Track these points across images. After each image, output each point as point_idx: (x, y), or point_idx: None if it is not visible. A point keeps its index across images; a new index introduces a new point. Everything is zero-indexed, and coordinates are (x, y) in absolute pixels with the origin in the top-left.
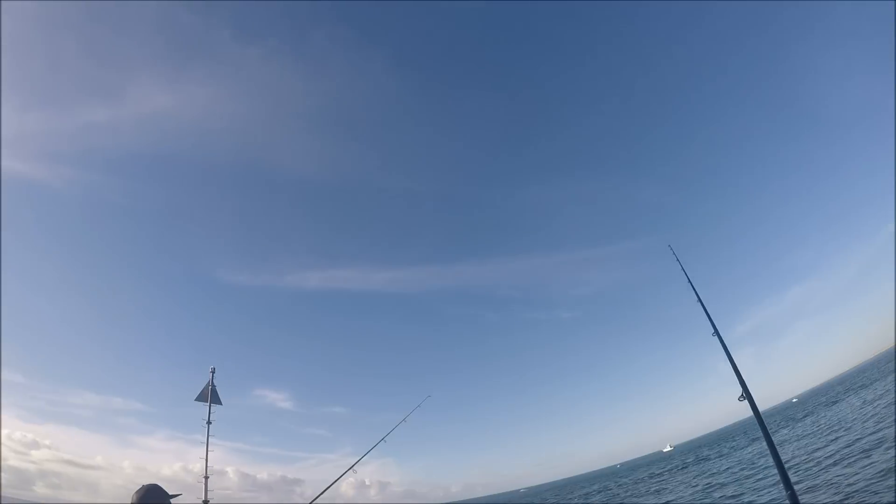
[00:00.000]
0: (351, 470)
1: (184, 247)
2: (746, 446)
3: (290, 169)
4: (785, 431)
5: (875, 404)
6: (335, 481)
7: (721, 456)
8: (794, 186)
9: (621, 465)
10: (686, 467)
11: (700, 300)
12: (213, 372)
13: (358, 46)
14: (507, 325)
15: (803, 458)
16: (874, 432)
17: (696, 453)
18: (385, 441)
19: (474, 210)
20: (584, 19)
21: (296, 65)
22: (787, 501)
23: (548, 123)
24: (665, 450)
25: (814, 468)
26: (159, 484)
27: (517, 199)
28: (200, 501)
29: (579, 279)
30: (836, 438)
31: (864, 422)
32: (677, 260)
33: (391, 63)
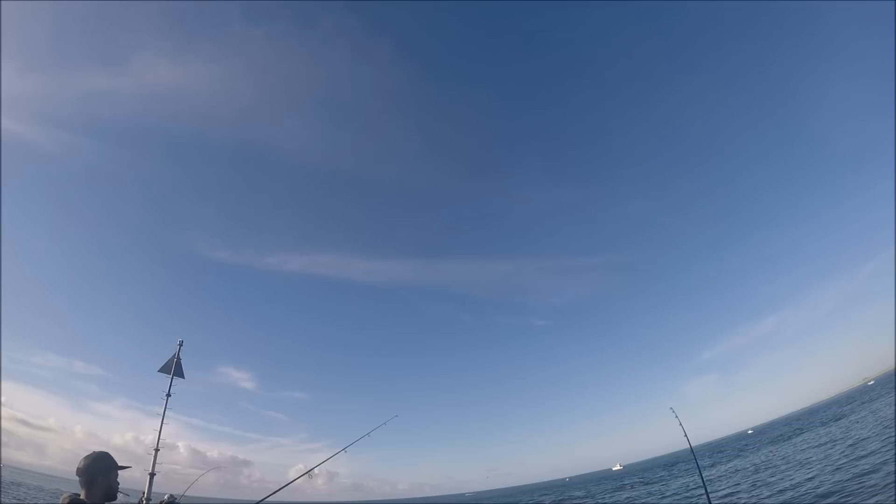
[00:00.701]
0: (307, 475)
1: (169, 218)
2: (684, 476)
3: (284, 152)
4: (736, 462)
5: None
6: (290, 483)
7: (673, 477)
8: (781, 219)
9: (570, 478)
10: (633, 486)
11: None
12: (180, 345)
13: (364, 36)
14: (481, 327)
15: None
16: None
17: (644, 475)
18: (346, 451)
19: (460, 209)
20: (590, 39)
21: (301, 50)
22: None
23: (544, 131)
24: (615, 468)
25: None
26: (110, 454)
27: (505, 202)
28: (147, 473)
29: (556, 287)
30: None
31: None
32: (680, 425)
33: (395, 56)
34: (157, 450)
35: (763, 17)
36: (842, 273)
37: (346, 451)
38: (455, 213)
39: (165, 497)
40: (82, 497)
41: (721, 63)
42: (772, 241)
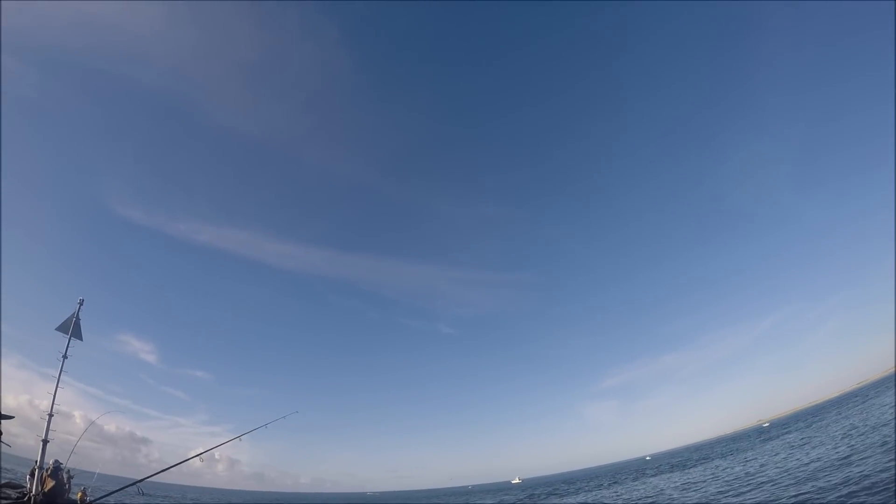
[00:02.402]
0: (199, 457)
1: (82, 160)
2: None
3: (212, 112)
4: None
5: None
6: (184, 461)
7: (579, 491)
8: (688, 264)
9: (472, 486)
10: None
11: None
12: (80, 303)
13: (315, 12)
14: (388, 327)
15: None
16: None
17: (545, 489)
18: (241, 440)
19: (381, 206)
20: (533, 67)
21: (251, 9)
22: None
23: (477, 146)
24: (514, 481)
25: None
26: None
27: (426, 208)
28: (40, 440)
29: (466, 298)
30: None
31: None
32: None
33: (342, 40)
34: (50, 415)
35: (687, 67)
36: (742, 324)
37: (241, 440)
38: (375, 209)
39: (51, 463)
40: None
41: (643, 108)
42: (678, 283)
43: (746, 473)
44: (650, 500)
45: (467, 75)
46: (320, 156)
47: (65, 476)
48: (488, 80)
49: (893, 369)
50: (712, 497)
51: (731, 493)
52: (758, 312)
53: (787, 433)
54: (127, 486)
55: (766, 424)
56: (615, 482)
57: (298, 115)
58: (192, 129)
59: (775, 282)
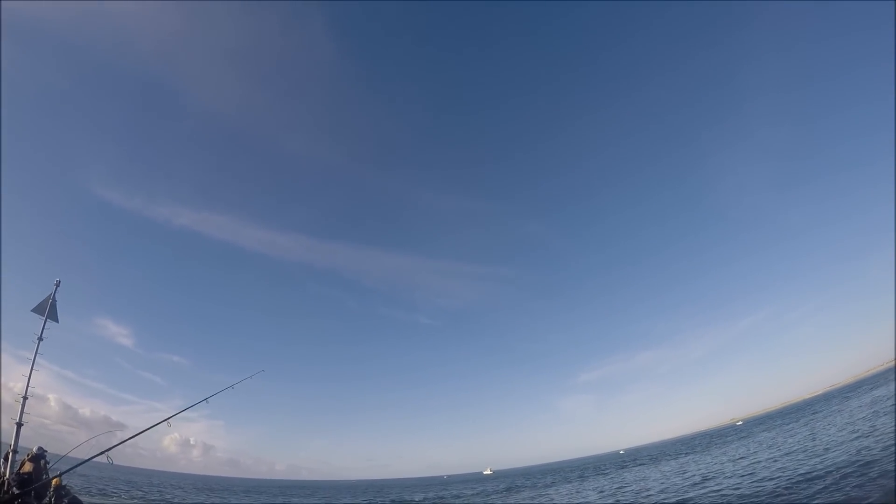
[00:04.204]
0: (165, 423)
1: (63, 144)
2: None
3: (195, 97)
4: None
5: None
6: (144, 430)
7: (553, 485)
8: (666, 260)
9: (448, 476)
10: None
11: None
12: (57, 285)
13: None
14: (366, 317)
15: None
16: None
17: (518, 480)
18: (208, 402)
19: (362, 194)
20: (518, 64)
21: None
22: None
23: (460, 139)
24: (485, 472)
25: None
26: None
27: (407, 198)
28: (14, 423)
29: (446, 290)
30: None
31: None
32: None
33: (327, 26)
34: (25, 398)
35: (675, 74)
36: (720, 322)
37: (207, 402)
38: (356, 197)
39: (34, 449)
40: None
41: (627, 105)
42: (657, 280)
43: (708, 471)
44: (607, 495)
45: (453, 67)
46: (303, 143)
47: (42, 463)
48: (473, 73)
49: (889, 365)
50: (676, 492)
51: (691, 488)
52: (736, 312)
53: (758, 432)
54: (96, 456)
55: (740, 423)
56: (582, 477)
57: (282, 102)
58: (174, 113)
59: (754, 281)
